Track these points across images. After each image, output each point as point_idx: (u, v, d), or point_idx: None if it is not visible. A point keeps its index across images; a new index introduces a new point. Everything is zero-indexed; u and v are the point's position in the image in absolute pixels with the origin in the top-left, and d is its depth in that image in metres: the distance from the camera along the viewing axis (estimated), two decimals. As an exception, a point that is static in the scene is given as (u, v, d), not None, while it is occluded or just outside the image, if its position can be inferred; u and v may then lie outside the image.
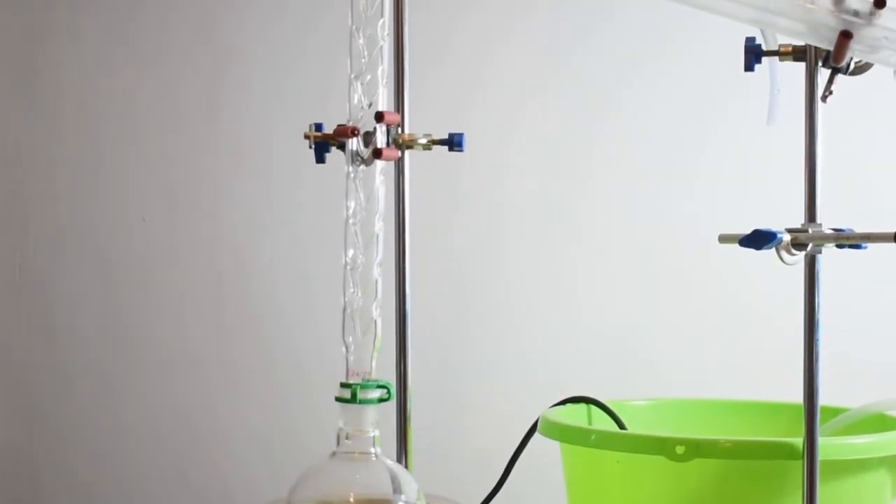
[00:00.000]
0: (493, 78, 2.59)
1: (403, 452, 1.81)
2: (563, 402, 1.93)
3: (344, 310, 1.53)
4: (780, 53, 1.48)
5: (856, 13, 1.29)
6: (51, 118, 2.87)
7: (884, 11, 1.28)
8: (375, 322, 1.53)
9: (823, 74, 1.46)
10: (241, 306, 2.75)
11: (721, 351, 2.47)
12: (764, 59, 1.48)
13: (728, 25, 1.38)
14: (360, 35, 1.53)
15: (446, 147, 1.76)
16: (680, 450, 1.59)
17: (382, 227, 1.53)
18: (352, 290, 1.53)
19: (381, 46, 1.53)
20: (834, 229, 1.44)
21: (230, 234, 2.75)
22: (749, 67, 1.47)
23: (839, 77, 1.44)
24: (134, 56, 2.81)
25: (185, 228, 2.78)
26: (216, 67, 2.76)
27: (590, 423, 1.92)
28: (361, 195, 1.53)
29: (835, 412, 1.77)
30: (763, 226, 1.39)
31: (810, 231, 1.43)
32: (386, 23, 1.53)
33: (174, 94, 2.79)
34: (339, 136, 1.54)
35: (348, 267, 1.53)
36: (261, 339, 2.73)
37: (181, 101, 2.78)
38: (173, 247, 2.79)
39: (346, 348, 1.52)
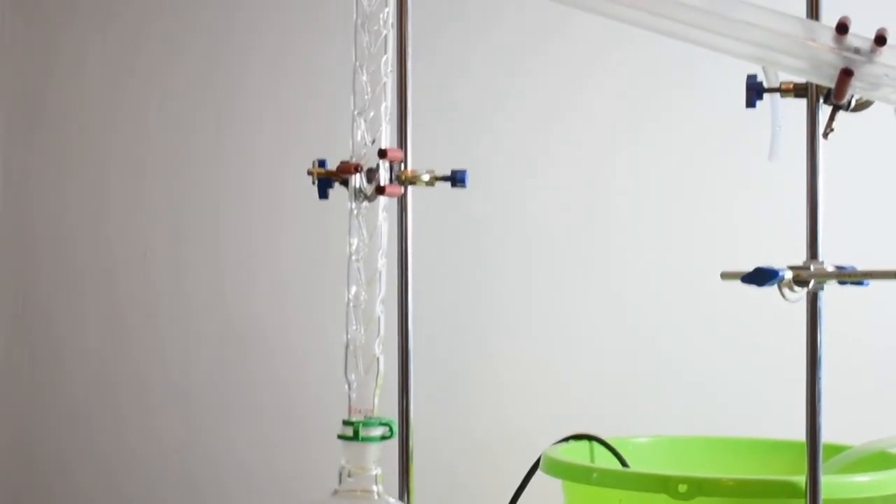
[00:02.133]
0: (497, 114, 2.60)
1: (405, 490, 1.81)
2: (566, 440, 1.93)
3: (346, 347, 1.53)
4: (781, 90, 1.48)
5: (857, 51, 1.30)
6: (56, 153, 2.88)
7: (884, 49, 1.29)
8: (378, 359, 1.53)
9: (825, 111, 1.46)
10: (243, 342, 2.75)
11: (724, 387, 2.47)
12: (765, 95, 1.48)
13: (730, 62, 1.38)
14: (364, 72, 1.53)
15: (449, 183, 1.76)
16: (682, 488, 1.58)
17: (385, 263, 1.53)
18: (354, 326, 1.53)
19: (385, 83, 1.53)
20: (836, 266, 1.44)
21: (233, 271, 2.76)
22: (750, 104, 1.48)
23: (840, 114, 1.44)
24: (139, 91, 2.82)
25: (188, 264, 2.78)
26: (221, 104, 2.77)
27: (592, 460, 1.91)
28: (364, 232, 1.53)
29: (837, 449, 1.76)
30: (765, 263, 1.39)
31: (812, 268, 1.43)
32: (389, 59, 1.54)
33: (179, 128, 2.80)
34: (343, 173, 1.55)
35: (351, 304, 1.53)
36: (264, 376, 2.73)
37: (186, 137, 2.79)
38: (175, 283, 2.79)
39: (349, 385, 1.52)
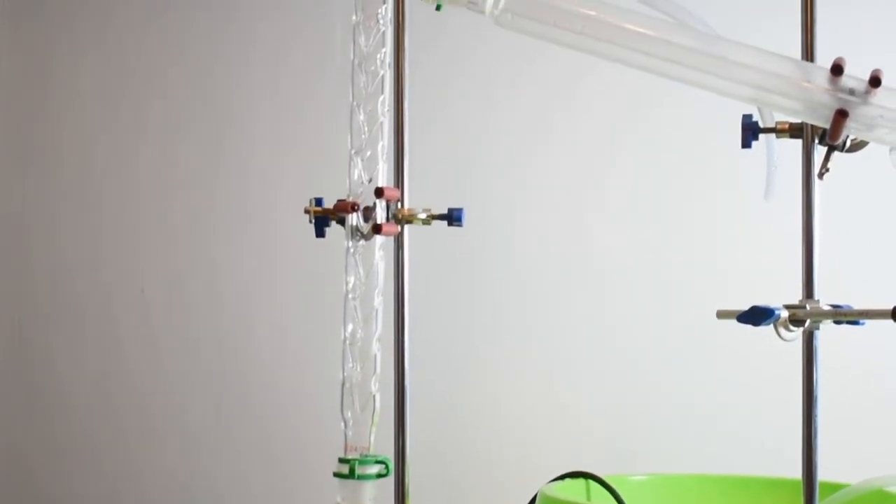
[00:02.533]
0: (493, 153, 2.61)
1: (401, 528, 1.80)
2: (562, 477, 1.92)
3: (343, 384, 1.53)
4: (776, 130, 1.48)
5: (851, 92, 1.30)
6: (52, 189, 2.88)
7: (879, 90, 1.29)
8: (374, 397, 1.53)
9: (820, 151, 1.46)
10: (239, 379, 2.74)
11: (720, 425, 2.46)
12: (761, 135, 1.49)
13: (726, 103, 1.39)
14: (361, 111, 1.54)
15: (446, 222, 1.76)
16: (679, 527, 1.58)
17: (382, 302, 1.54)
18: (351, 364, 1.53)
19: (382, 122, 1.54)
20: (832, 305, 1.44)
21: (230, 309, 2.76)
22: (746, 144, 1.48)
23: (835, 154, 1.45)
24: (136, 129, 2.83)
25: (184, 301, 2.78)
26: (218, 143, 2.78)
27: (588, 498, 1.91)
28: (361, 270, 1.53)
29: (834, 488, 1.76)
30: (760, 302, 1.39)
31: (808, 307, 1.43)
32: (386, 99, 1.54)
33: (175, 167, 2.80)
34: (340, 211, 1.55)
35: (347, 342, 1.53)
36: (259, 413, 2.73)
37: (182, 175, 2.80)
38: (172, 319, 2.79)
39: (345, 423, 1.52)
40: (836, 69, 1.30)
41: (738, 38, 1.36)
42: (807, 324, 1.42)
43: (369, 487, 1.49)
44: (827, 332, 1.46)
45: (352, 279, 1.53)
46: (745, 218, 2.44)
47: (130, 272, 2.81)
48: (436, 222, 1.77)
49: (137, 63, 2.84)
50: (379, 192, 1.53)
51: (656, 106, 2.50)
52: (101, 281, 2.84)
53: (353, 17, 1.53)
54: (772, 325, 1.39)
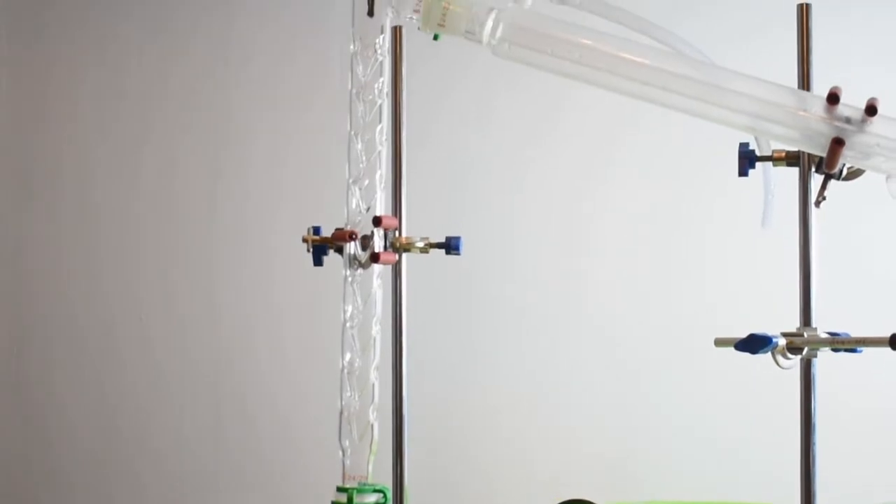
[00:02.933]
0: (490, 182, 2.61)
1: (400, 557, 1.80)
2: (561, 506, 1.92)
3: (341, 413, 1.53)
4: (773, 159, 1.49)
5: (848, 120, 1.30)
6: (50, 217, 2.88)
7: (875, 119, 1.29)
8: (372, 426, 1.53)
9: (817, 180, 1.46)
10: (237, 407, 2.74)
11: (720, 452, 2.46)
12: (758, 164, 1.49)
13: (723, 131, 1.39)
14: (359, 140, 1.54)
15: (443, 250, 1.76)
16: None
17: (380, 330, 1.54)
18: (349, 393, 1.53)
19: (380, 152, 1.54)
20: (829, 333, 1.44)
21: (227, 336, 2.75)
22: (743, 173, 1.48)
23: (832, 182, 1.45)
24: (133, 157, 2.84)
25: (182, 330, 2.78)
26: (215, 173, 2.78)
27: (587, 526, 1.90)
28: (359, 299, 1.53)
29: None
30: (758, 329, 1.39)
31: (805, 335, 1.43)
32: (384, 128, 1.55)
33: (173, 196, 2.81)
34: (338, 240, 1.55)
35: (345, 370, 1.53)
36: (257, 441, 2.72)
37: (180, 204, 2.80)
38: (170, 347, 2.79)
39: (343, 452, 1.52)
40: (833, 98, 1.30)
41: (734, 67, 1.36)
42: (804, 351, 1.42)
43: (367, 516, 1.49)
44: (825, 359, 1.46)
45: (350, 308, 1.53)
46: (742, 246, 2.44)
47: (128, 300, 2.81)
48: (434, 250, 1.77)
49: (135, 91, 2.85)
50: (377, 221, 1.53)
51: (652, 135, 2.50)
52: (99, 309, 2.83)
53: (351, 47, 1.53)
54: (770, 353, 1.39)
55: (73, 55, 2.90)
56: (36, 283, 2.89)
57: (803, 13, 1.52)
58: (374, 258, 1.53)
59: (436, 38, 1.47)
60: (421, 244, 1.74)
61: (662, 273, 2.52)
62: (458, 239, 1.75)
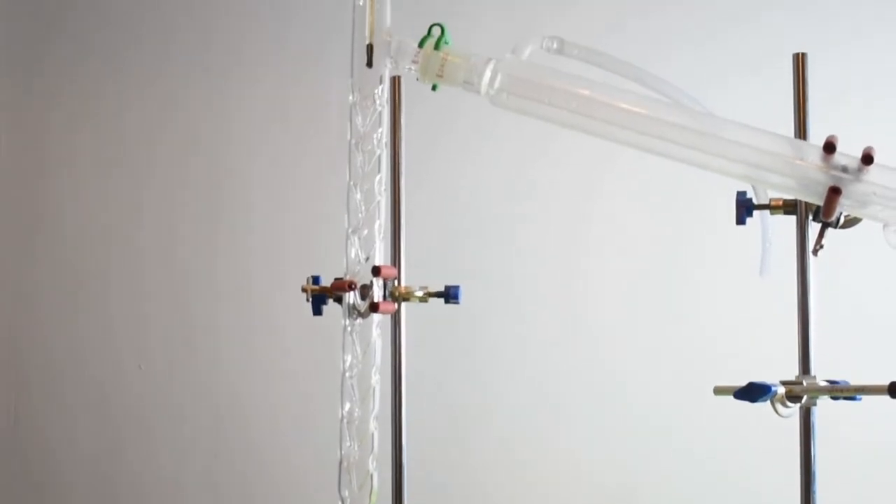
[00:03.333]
0: (489, 231, 2.61)
1: None
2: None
3: (340, 463, 1.52)
4: (770, 207, 1.49)
5: (844, 169, 1.31)
6: (47, 266, 2.88)
7: (872, 167, 1.30)
8: (372, 476, 1.52)
9: (814, 228, 1.47)
10: (236, 457, 2.73)
11: (718, 498, 2.45)
12: (755, 212, 1.49)
13: (720, 180, 1.40)
14: (358, 190, 1.54)
15: (443, 299, 1.76)
16: None
17: (379, 380, 1.53)
18: (348, 443, 1.52)
19: (378, 201, 1.54)
20: (828, 381, 1.44)
21: (226, 385, 2.75)
22: (740, 221, 1.49)
23: (829, 230, 1.45)
24: (132, 204, 2.84)
25: (182, 379, 2.78)
26: (214, 223, 2.79)
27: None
28: (358, 348, 1.53)
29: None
30: (757, 377, 1.39)
31: (805, 383, 1.43)
32: (383, 179, 1.55)
33: (173, 245, 2.81)
34: (337, 290, 1.55)
35: (345, 420, 1.53)
36: (256, 492, 2.71)
37: (180, 253, 2.80)
38: (170, 397, 2.78)
39: (342, 502, 1.51)
40: (829, 147, 1.31)
41: (730, 108, 1.37)
42: (804, 400, 1.43)
43: (367, 567, 1.48)
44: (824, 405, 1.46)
45: (349, 357, 1.53)
46: (740, 293, 2.44)
47: (128, 348, 2.81)
48: (433, 299, 1.77)
49: (133, 141, 2.86)
50: (376, 271, 1.53)
51: (651, 183, 2.51)
52: (98, 356, 2.83)
53: (350, 98, 1.54)
54: (769, 402, 1.39)
55: (70, 102, 2.91)
56: (35, 331, 2.89)
57: (799, 62, 1.53)
58: (374, 308, 1.53)
59: (434, 88, 1.48)
60: (420, 293, 1.74)
61: (661, 320, 2.52)
62: (456, 288, 1.75)
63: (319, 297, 1.61)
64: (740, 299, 2.45)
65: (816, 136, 1.41)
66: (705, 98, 1.46)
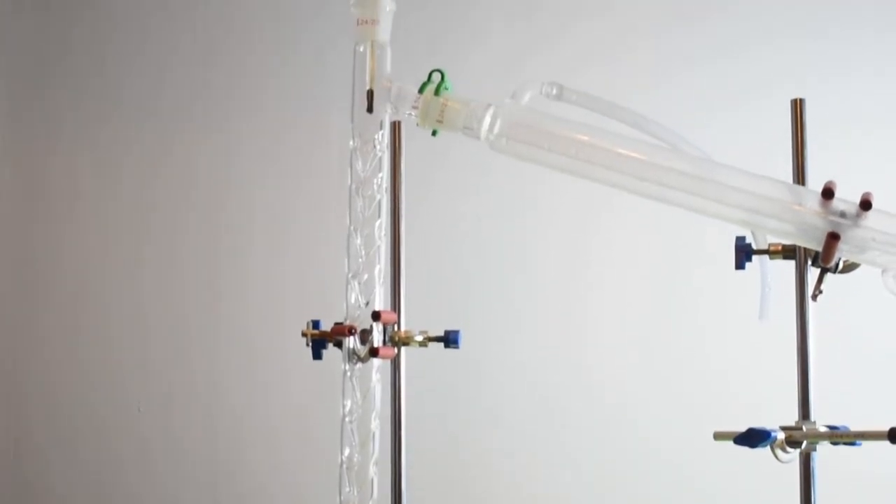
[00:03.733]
0: (488, 275, 2.62)
1: None
2: None
3: (340, 509, 1.52)
4: (769, 252, 1.50)
5: (843, 214, 1.31)
6: (46, 309, 2.89)
7: (870, 213, 1.30)
8: (371, 521, 1.52)
9: (813, 272, 1.47)
10: (235, 501, 2.72)
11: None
12: (754, 257, 1.50)
13: (720, 224, 1.40)
14: (358, 235, 1.54)
15: (442, 344, 1.76)
16: None
17: (379, 425, 1.53)
18: (348, 489, 1.52)
19: (378, 246, 1.55)
20: (828, 426, 1.44)
21: (225, 429, 2.75)
22: (740, 266, 1.49)
23: (828, 275, 1.46)
24: (133, 250, 2.85)
25: (181, 421, 2.77)
26: (215, 267, 2.79)
27: None
28: (358, 393, 1.53)
29: None
30: (757, 423, 1.39)
31: (804, 429, 1.43)
32: (383, 223, 1.55)
33: (174, 289, 2.81)
34: (337, 335, 1.55)
35: (344, 465, 1.52)
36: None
37: (181, 296, 2.81)
38: (168, 439, 2.78)
39: (342, 548, 1.51)
40: (827, 192, 1.31)
41: (729, 162, 1.37)
42: (803, 445, 1.42)
43: None
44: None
45: (349, 402, 1.52)
46: (740, 338, 2.44)
47: (127, 390, 2.80)
48: (433, 344, 1.77)
49: (132, 189, 2.86)
50: (376, 316, 1.53)
51: (650, 226, 2.51)
52: (97, 398, 2.83)
53: (351, 143, 1.54)
54: (769, 447, 1.39)
55: (71, 139, 2.92)
56: (36, 371, 2.88)
57: (797, 108, 1.54)
58: (374, 353, 1.53)
59: (434, 133, 1.49)
60: (420, 338, 1.74)
61: (661, 365, 2.52)
62: (456, 333, 1.75)
63: (319, 341, 1.61)
64: (740, 344, 2.45)
65: (814, 173, 1.42)
66: (700, 130, 1.47)
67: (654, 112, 1.49)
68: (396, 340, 1.72)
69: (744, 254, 1.49)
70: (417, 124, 1.50)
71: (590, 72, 2.53)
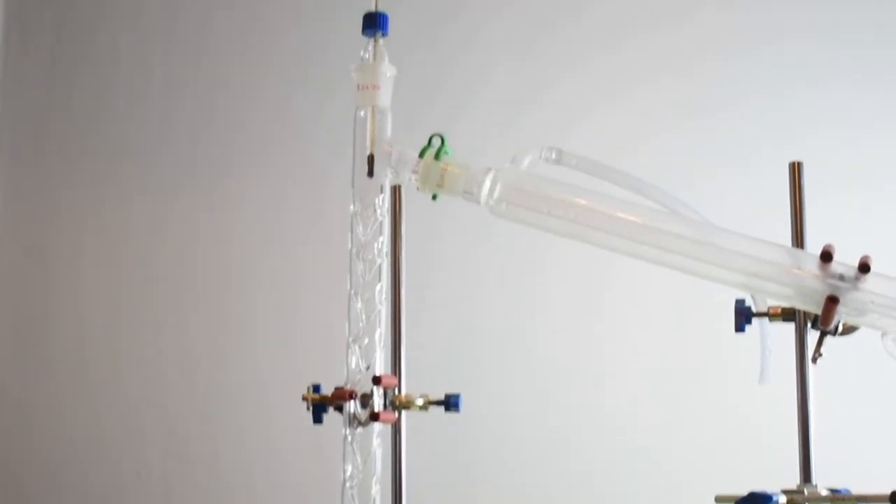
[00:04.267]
0: (489, 339, 2.62)
1: None
2: None
3: (342, 575, 1.52)
4: (769, 315, 1.50)
5: (841, 277, 1.32)
6: (45, 372, 2.88)
7: (869, 276, 1.31)
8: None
9: (813, 335, 1.47)
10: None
11: None
12: (754, 320, 1.50)
13: (719, 286, 1.40)
14: (359, 299, 1.55)
15: (443, 407, 1.76)
16: None
17: (380, 490, 1.53)
18: (348, 555, 1.52)
19: (379, 311, 1.55)
20: (830, 489, 1.44)
21: (227, 493, 2.74)
22: (739, 328, 1.50)
23: (828, 337, 1.46)
24: (140, 308, 2.85)
25: (180, 489, 2.76)
26: (215, 331, 2.79)
27: None
28: (358, 457, 1.53)
29: None
30: (758, 485, 1.39)
31: (806, 492, 1.43)
32: (383, 287, 1.56)
33: (174, 357, 2.81)
34: (337, 399, 1.55)
35: (346, 532, 1.52)
36: None
37: (181, 365, 2.80)
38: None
39: None
40: (826, 256, 1.32)
41: (728, 226, 1.38)
42: (805, 509, 1.43)
43: None
44: None
45: (350, 467, 1.52)
46: (740, 400, 2.44)
47: (128, 456, 2.80)
48: (433, 407, 1.76)
49: (134, 257, 2.87)
50: (377, 381, 1.53)
51: (650, 292, 2.52)
52: (97, 463, 2.82)
53: (351, 207, 1.55)
54: (771, 510, 1.39)
55: (71, 198, 2.92)
56: (33, 439, 2.88)
57: (795, 171, 1.55)
58: (374, 417, 1.53)
59: (434, 197, 1.50)
60: (420, 402, 1.73)
61: (661, 429, 2.52)
62: (457, 396, 1.75)
63: (320, 405, 1.61)
64: (740, 407, 2.44)
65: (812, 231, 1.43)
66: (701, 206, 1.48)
67: (654, 164, 1.50)
68: (397, 404, 1.72)
69: (743, 316, 1.50)
70: (418, 188, 1.51)
71: (583, 126, 2.57)
